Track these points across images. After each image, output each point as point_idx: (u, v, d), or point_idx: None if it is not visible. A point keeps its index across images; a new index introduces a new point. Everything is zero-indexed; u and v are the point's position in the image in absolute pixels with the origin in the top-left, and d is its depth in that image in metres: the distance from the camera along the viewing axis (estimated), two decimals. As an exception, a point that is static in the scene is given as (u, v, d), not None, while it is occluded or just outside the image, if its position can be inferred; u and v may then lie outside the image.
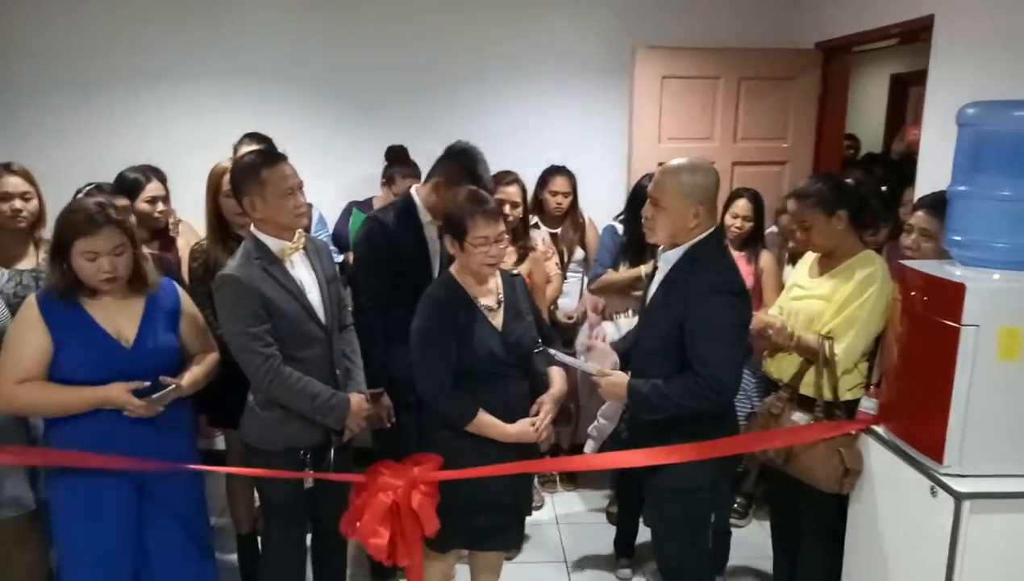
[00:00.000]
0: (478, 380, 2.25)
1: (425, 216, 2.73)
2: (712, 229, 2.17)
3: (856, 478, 2.26)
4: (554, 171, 3.59)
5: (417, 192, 2.75)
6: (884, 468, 2.18)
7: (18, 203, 2.54)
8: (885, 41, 3.87)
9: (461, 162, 2.62)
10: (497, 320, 2.31)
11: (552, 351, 2.36)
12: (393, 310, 2.66)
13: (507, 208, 3.11)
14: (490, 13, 3.86)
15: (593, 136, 4.00)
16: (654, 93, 3.81)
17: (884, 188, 3.70)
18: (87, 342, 2.08)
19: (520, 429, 2.27)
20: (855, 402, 2.36)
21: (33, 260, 2.59)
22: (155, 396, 2.08)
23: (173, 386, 2.12)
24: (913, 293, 2.05)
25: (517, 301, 2.39)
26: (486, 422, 2.23)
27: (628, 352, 2.41)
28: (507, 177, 3.29)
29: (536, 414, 2.31)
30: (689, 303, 2.08)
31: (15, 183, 2.55)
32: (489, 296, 2.33)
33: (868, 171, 4.49)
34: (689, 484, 2.19)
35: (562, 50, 3.93)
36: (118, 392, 2.05)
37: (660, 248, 2.25)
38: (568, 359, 2.35)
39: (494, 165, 3.35)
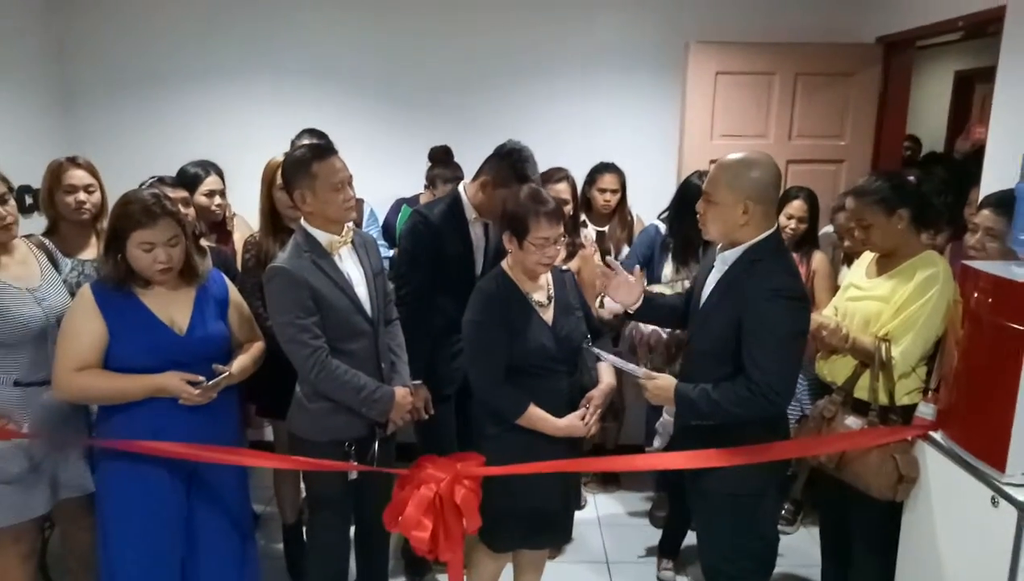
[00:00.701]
0: (528, 375, 2.25)
1: (470, 213, 2.74)
2: (772, 230, 2.10)
3: (911, 485, 2.18)
4: (603, 168, 3.56)
5: (464, 189, 2.76)
6: (941, 476, 2.10)
7: (82, 195, 2.63)
8: (949, 35, 3.74)
9: (510, 162, 2.62)
10: (547, 315, 2.31)
11: (597, 351, 2.34)
12: (434, 305, 2.68)
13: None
14: (542, 9, 3.85)
15: (643, 133, 3.95)
16: (707, 89, 3.75)
17: (947, 190, 3.58)
18: (142, 330, 2.13)
19: (569, 423, 2.26)
20: (912, 407, 2.28)
21: (95, 250, 2.68)
22: (209, 383, 2.13)
23: (226, 373, 2.17)
24: (977, 295, 1.97)
25: (567, 296, 2.39)
26: (537, 416, 2.23)
27: (657, 304, 2.44)
28: (557, 174, 3.27)
29: (586, 409, 2.30)
30: (747, 306, 2.02)
31: (79, 176, 2.64)
32: (540, 291, 2.33)
33: (928, 172, 4.35)
34: (737, 488, 2.14)
35: (614, 46, 3.89)
36: (173, 380, 2.10)
37: (718, 247, 2.21)
38: (615, 359, 2.33)
39: (543, 162, 3.32)
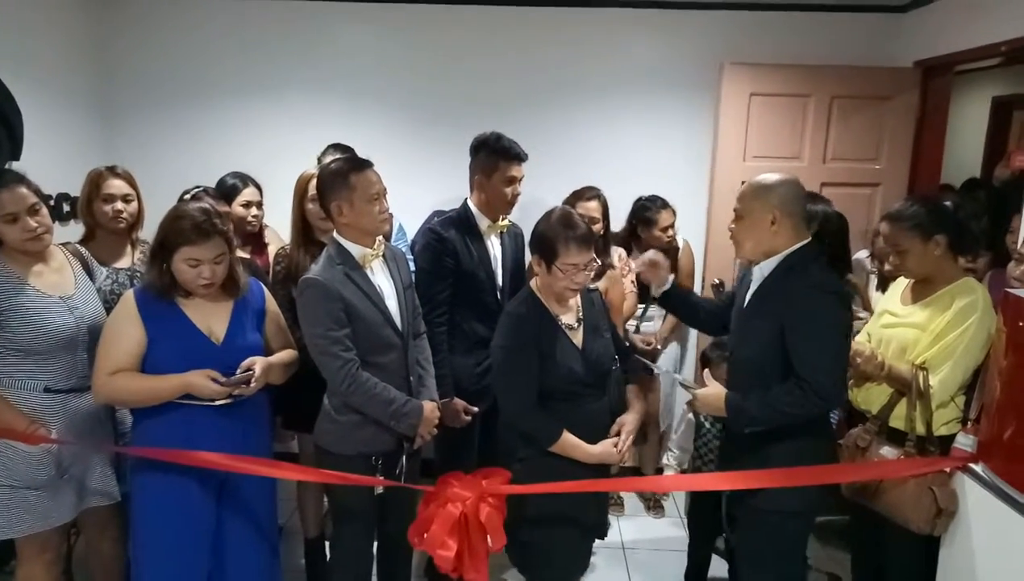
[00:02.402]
0: (558, 399, 2.22)
1: (483, 223, 2.77)
2: (807, 241, 2.13)
3: (950, 519, 2.12)
4: (658, 206, 3.51)
5: (470, 201, 2.80)
6: (982, 509, 2.04)
7: (120, 205, 2.66)
8: (989, 60, 3.68)
9: (486, 148, 2.73)
10: (577, 338, 2.28)
11: (644, 361, 2.36)
12: (456, 321, 2.69)
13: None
14: (578, 30, 3.85)
15: (675, 153, 3.92)
16: (741, 111, 3.72)
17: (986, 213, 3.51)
18: (180, 338, 2.15)
19: (603, 450, 2.23)
20: (950, 438, 2.23)
21: (129, 259, 2.72)
22: (231, 379, 2.14)
23: (249, 372, 2.16)
24: (1021, 323, 1.92)
25: (596, 318, 2.36)
26: (570, 443, 2.20)
27: (682, 296, 2.57)
28: (588, 193, 3.26)
29: (617, 435, 2.27)
30: (790, 307, 2.02)
31: (118, 185, 2.68)
32: (569, 314, 2.30)
33: (973, 197, 4.28)
34: (784, 506, 2.10)
35: (647, 66, 3.87)
36: (198, 378, 2.11)
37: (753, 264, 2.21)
38: (663, 370, 2.35)
39: (575, 182, 3.37)
